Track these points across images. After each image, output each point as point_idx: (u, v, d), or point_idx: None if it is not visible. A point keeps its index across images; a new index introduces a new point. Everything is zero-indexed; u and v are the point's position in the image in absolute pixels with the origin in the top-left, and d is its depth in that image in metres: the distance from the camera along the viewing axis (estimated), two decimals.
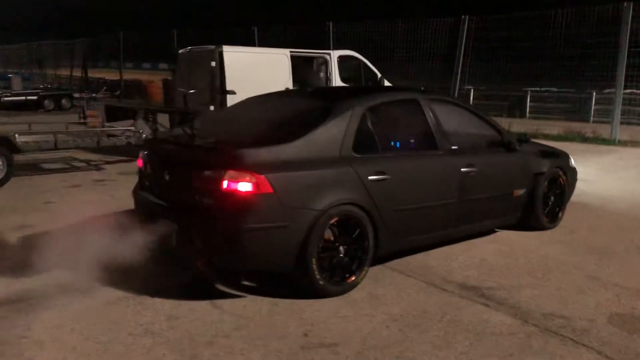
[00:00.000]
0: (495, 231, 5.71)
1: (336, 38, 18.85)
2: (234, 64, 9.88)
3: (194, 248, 3.90)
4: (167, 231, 4.05)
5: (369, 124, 4.39)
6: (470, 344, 3.39)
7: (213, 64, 9.79)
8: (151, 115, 4.53)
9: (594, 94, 19.34)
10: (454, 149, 4.89)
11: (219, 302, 3.94)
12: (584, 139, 14.07)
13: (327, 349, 3.31)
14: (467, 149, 5.03)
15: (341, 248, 4.06)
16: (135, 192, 4.75)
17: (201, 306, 3.86)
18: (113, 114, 5.50)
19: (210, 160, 3.87)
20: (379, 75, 11.99)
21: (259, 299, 3.99)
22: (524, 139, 5.66)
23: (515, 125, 14.82)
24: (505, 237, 5.57)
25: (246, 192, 3.69)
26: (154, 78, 27.61)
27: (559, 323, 3.67)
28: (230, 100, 9.73)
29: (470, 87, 18.99)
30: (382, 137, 4.49)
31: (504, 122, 14.53)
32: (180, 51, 11.05)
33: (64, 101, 22.05)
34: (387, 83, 12.04)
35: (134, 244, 4.22)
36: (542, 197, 5.71)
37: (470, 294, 4.15)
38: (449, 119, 4.98)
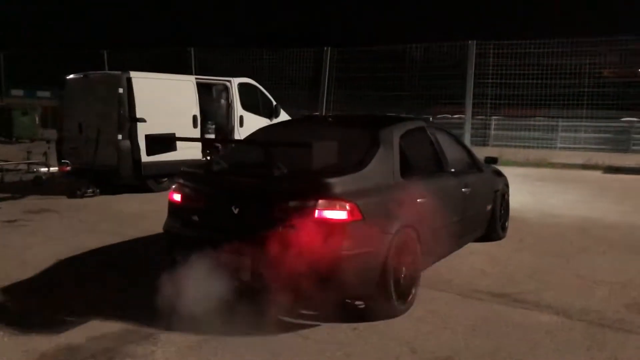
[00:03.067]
0: None
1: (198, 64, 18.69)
2: (142, 91, 9.42)
3: (278, 280, 3.81)
4: (235, 266, 3.91)
5: (403, 151, 4.68)
6: (551, 340, 3.85)
7: (120, 90, 9.21)
8: (208, 150, 4.28)
9: (430, 119, 21.69)
10: (453, 171, 5.39)
11: (302, 332, 3.90)
12: None
13: None
14: (459, 171, 5.56)
15: (403, 268, 4.28)
16: (170, 229, 4.42)
17: (291, 339, 3.80)
18: (156, 145, 4.77)
19: (298, 190, 3.84)
20: (274, 102, 12.26)
21: (334, 325, 4.02)
22: (491, 161, 6.40)
23: None
24: (476, 249, 6.18)
25: (340, 219, 3.75)
26: None
27: (597, 316, 4.30)
28: (141, 129, 9.25)
29: (317, 113, 20.06)
30: (412, 162, 4.81)
31: None
32: (70, 77, 10.13)
33: None
34: (282, 111, 12.36)
35: (188, 285, 3.98)
36: (499, 211, 6.49)
37: (505, 301, 4.63)
38: (443, 144, 5.49)
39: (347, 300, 4.22)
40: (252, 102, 11.74)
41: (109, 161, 9.25)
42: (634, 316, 4.32)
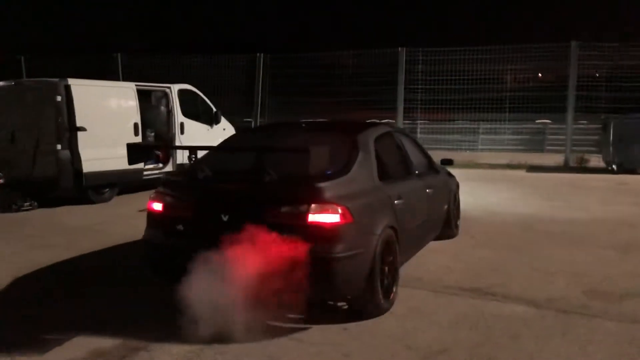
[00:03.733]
0: None
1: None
2: (82, 99, 9.08)
3: (272, 286, 3.83)
4: (224, 273, 3.88)
5: (378, 155, 4.83)
6: (530, 330, 4.10)
7: (59, 98, 8.83)
8: (194, 155, 4.22)
9: None
10: (417, 173, 5.61)
11: (295, 335, 3.94)
12: None
13: (444, 355, 3.68)
14: (422, 173, 5.78)
15: (386, 268, 4.41)
16: (152, 239, 4.31)
17: (286, 342, 3.83)
18: (137, 154, 4.45)
19: (289, 195, 3.88)
20: (214, 109, 12.14)
21: (323, 327, 4.08)
22: (447, 162, 6.68)
23: None
24: (435, 247, 6.42)
25: (333, 223, 3.83)
26: None
27: (562, 304, 4.62)
28: (82, 138, 8.92)
29: (250, 119, 19.98)
30: (385, 165, 4.96)
31: None
32: None
33: None
34: (223, 118, 12.27)
35: (175, 294, 3.92)
36: (453, 210, 6.80)
37: (477, 294, 4.87)
38: (407, 147, 5.70)
39: (329, 302, 4.32)
40: (193, 109, 11.57)
41: (48, 172, 8.85)
42: (594, 302, 4.68)
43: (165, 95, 11.08)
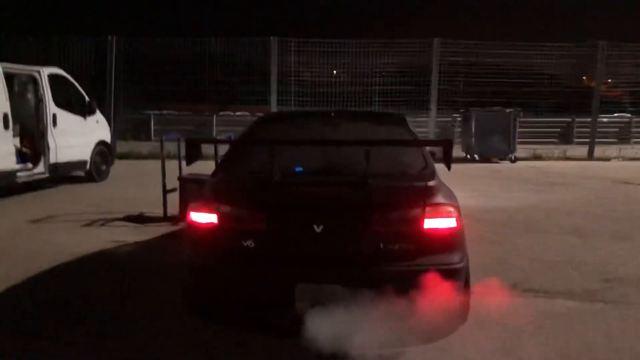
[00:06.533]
0: None
1: None
2: None
3: (382, 306, 3.13)
4: (325, 297, 3.10)
5: None
6: (609, 326, 3.94)
7: None
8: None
9: (214, 116, 20.98)
10: None
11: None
12: None
13: None
14: None
15: None
16: (202, 262, 3.25)
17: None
18: (196, 151, 2.88)
19: (400, 198, 3.19)
20: (87, 98, 10.40)
21: (424, 349, 3.48)
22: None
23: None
24: None
25: (450, 228, 3.26)
26: None
27: (602, 295, 4.56)
28: None
29: None
30: None
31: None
32: None
33: None
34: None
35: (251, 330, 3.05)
36: None
37: (515, 293, 4.62)
38: None
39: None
40: (65, 98, 9.75)
41: None
42: (625, 289, 4.72)
43: (34, 81, 9.13)
